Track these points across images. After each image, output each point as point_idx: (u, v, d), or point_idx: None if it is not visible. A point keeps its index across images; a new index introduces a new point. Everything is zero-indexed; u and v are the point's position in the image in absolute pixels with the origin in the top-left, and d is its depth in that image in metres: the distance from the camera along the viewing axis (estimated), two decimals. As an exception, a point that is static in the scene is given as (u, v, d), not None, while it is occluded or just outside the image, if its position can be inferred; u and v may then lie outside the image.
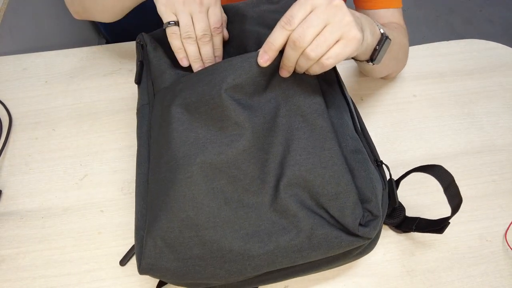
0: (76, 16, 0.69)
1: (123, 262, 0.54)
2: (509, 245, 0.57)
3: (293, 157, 0.45)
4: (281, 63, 0.46)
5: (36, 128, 0.68)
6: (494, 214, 0.60)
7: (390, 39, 0.51)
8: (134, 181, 0.62)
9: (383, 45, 0.50)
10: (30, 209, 0.59)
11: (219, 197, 0.45)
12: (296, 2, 0.42)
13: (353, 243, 0.45)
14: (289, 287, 0.54)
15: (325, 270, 0.50)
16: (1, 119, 0.69)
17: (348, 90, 0.72)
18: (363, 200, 0.45)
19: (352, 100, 0.54)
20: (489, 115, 0.70)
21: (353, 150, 0.47)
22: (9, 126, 0.68)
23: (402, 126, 0.69)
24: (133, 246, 0.54)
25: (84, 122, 0.68)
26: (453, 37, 1.87)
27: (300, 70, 0.46)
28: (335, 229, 0.44)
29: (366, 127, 0.66)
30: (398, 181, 0.53)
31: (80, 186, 0.62)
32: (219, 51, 0.54)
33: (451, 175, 0.48)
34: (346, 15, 0.41)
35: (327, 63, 0.42)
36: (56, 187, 0.62)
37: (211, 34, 0.51)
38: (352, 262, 0.55)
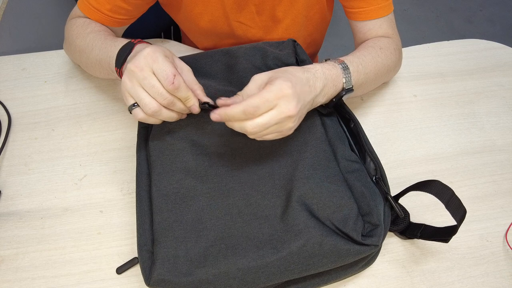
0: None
1: (120, 271, 0.54)
2: (509, 246, 0.57)
3: (302, 172, 0.50)
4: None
5: (35, 128, 0.68)
6: (494, 214, 0.59)
7: (352, 90, 0.56)
8: (134, 181, 0.62)
9: (341, 97, 0.55)
10: (29, 210, 0.59)
11: (233, 212, 0.49)
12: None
13: (361, 251, 0.47)
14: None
15: (333, 282, 0.52)
16: (0, 119, 0.68)
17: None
18: (363, 213, 0.49)
19: (356, 121, 0.57)
20: (489, 115, 0.70)
21: (350, 171, 0.52)
22: (8, 126, 0.68)
23: (402, 126, 0.69)
24: (134, 259, 0.54)
25: (83, 122, 0.68)
26: (453, 37, 1.87)
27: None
28: (342, 238, 0.47)
29: (367, 127, 0.67)
30: (397, 197, 0.54)
31: (80, 186, 0.62)
32: (191, 101, 0.49)
33: (449, 188, 0.48)
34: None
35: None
36: (56, 188, 0.61)
37: (169, 92, 0.47)
38: (352, 263, 0.55)
